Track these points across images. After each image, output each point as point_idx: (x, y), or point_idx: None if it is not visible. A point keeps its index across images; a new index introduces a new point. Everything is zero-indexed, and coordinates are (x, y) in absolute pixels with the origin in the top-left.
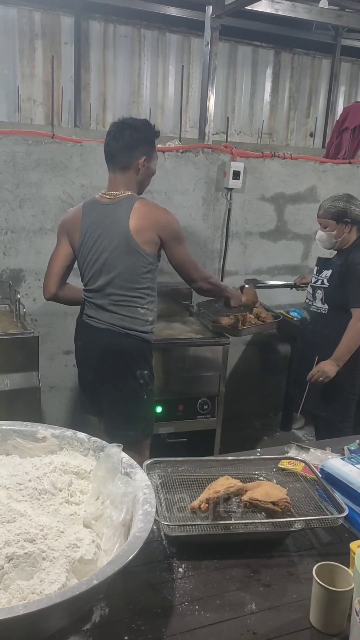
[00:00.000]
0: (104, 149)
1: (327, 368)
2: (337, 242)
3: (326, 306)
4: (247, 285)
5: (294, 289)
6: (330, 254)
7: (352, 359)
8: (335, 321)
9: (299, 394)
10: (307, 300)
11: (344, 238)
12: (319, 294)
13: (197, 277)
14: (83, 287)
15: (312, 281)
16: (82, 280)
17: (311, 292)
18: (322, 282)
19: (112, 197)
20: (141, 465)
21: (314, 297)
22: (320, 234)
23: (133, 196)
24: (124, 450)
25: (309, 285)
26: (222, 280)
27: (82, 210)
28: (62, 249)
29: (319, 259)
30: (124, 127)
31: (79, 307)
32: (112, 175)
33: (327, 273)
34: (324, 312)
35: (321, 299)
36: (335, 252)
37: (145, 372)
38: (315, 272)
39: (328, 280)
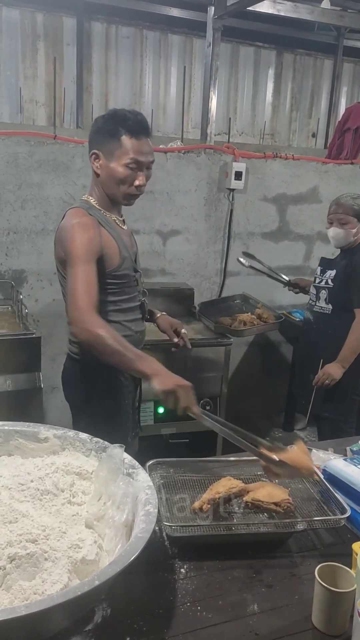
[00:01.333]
0: None
1: (333, 371)
2: (353, 241)
3: (330, 306)
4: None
5: (286, 287)
6: (332, 254)
7: (355, 360)
8: (339, 321)
9: (303, 395)
10: (310, 301)
11: (358, 238)
12: (323, 294)
13: (76, 319)
14: None
15: (316, 281)
16: None
17: (315, 293)
18: (327, 282)
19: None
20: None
21: (318, 297)
22: (337, 230)
23: (76, 203)
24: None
25: (311, 286)
26: (224, 281)
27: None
28: None
29: (322, 259)
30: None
31: None
32: None
33: (331, 273)
34: (327, 312)
35: (325, 299)
36: (338, 252)
37: (106, 401)
38: (318, 272)
39: (332, 280)
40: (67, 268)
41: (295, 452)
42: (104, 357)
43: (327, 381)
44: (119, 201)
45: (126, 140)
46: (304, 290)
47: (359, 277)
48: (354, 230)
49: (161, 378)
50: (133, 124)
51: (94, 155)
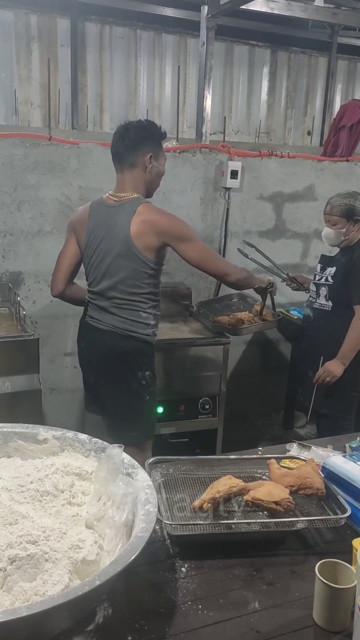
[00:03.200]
0: (111, 150)
1: (334, 368)
2: (345, 240)
3: (330, 303)
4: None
5: (284, 282)
6: (330, 252)
7: (356, 358)
8: (339, 318)
9: (303, 392)
10: (310, 298)
11: (352, 236)
12: (323, 290)
13: (228, 269)
14: (87, 287)
15: (316, 278)
16: (87, 281)
17: (315, 290)
18: (327, 279)
19: (117, 199)
20: (143, 465)
21: (318, 294)
22: (328, 231)
23: (138, 200)
24: (127, 451)
25: (311, 283)
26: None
27: (89, 211)
28: (70, 247)
29: (323, 256)
30: (129, 127)
31: (80, 309)
32: (120, 175)
33: (331, 270)
34: (327, 309)
35: (325, 296)
36: (339, 249)
37: (147, 373)
38: (318, 269)
39: (332, 277)
40: (178, 246)
41: (305, 470)
42: (249, 284)
43: (327, 378)
44: (152, 195)
45: (162, 144)
46: (301, 286)
47: (359, 274)
48: (344, 230)
49: (264, 277)
50: (163, 131)
51: (151, 156)
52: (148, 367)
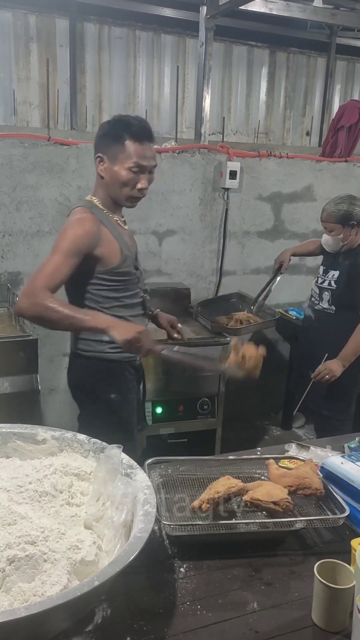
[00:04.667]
0: None
1: (334, 367)
2: (345, 245)
3: (333, 307)
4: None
5: (278, 277)
6: (334, 257)
7: (357, 359)
8: (342, 321)
9: (300, 392)
10: (312, 299)
11: (351, 240)
12: (326, 295)
13: (23, 291)
14: None
15: (318, 281)
16: None
17: (317, 292)
18: (330, 284)
19: None
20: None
21: (321, 298)
22: (326, 237)
23: (80, 203)
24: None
25: (314, 284)
26: (220, 280)
27: None
28: None
29: (325, 258)
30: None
31: None
32: None
33: (334, 274)
34: (330, 312)
35: (328, 300)
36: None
37: (112, 396)
38: (321, 272)
39: (335, 282)
40: None
41: (304, 470)
42: (55, 326)
43: (327, 376)
44: (121, 203)
45: (130, 145)
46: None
47: None
48: (341, 236)
49: (119, 328)
50: (137, 129)
51: (98, 159)
52: (112, 389)
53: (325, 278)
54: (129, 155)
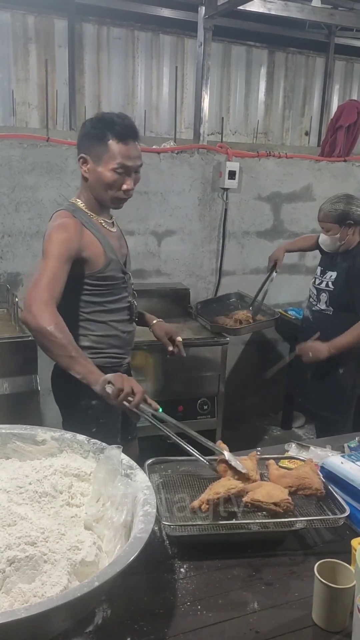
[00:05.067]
0: None
1: (321, 348)
2: (342, 245)
3: (331, 308)
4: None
5: (274, 275)
6: (331, 257)
7: (353, 359)
8: (340, 322)
9: (300, 393)
10: (310, 300)
11: (349, 240)
12: (324, 296)
13: (28, 302)
14: None
15: (316, 282)
16: None
17: (315, 294)
18: (327, 285)
19: None
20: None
21: (319, 299)
22: (324, 237)
23: (63, 206)
24: None
25: (311, 285)
26: (219, 280)
27: None
28: None
29: (323, 259)
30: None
31: None
32: None
33: (332, 275)
34: (328, 313)
35: (326, 302)
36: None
37: (94, 402)
38: (318, 272)
39: (333, 284)
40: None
41: (304, 470)
42: (49, 350)
43: (310, 354)
44: (107, 205)
45: (113, 145)
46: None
47: None
48: (338, 236)
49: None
50: (121, 128)
51: (81, 160)
52: (94, 394)
53: (322, 279)
54: (112, 156)
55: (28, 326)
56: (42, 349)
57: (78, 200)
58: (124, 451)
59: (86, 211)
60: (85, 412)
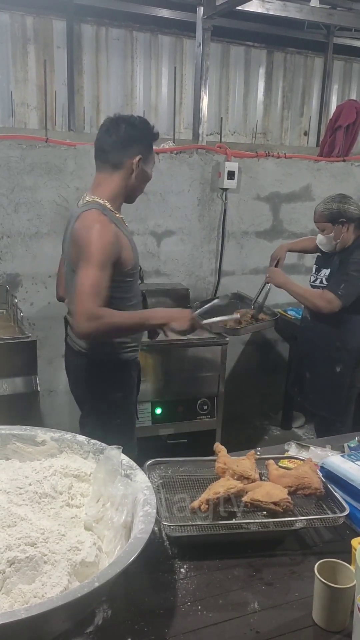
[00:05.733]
0: (95, 143)
1: (278, 276)
2: (338, 243)
3: None
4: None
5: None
6: (329, 256)
7: (351, 358)
8: (336, 319)
9: (298, 392)
10: None
11: (344, 238)
12: None
13: (83, 313)
14: None
15: (311, 280)
16: None
17: None
18: (321, 282)
19: (80, 204)
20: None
21: None
22: (320, 237)
23: (90, 205)
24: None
25: (309, 283)
26: (219, 281)
27: (69, 216)
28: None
29: (318, 257)
30: (119, 122)
31: None
32: (99, 174)
33: (325, 272)
34: (332, 315)
35: None
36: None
37: (119, 394)
38: (314, 270)
39: (327, 280)
40: (77, 263)
41: (304, 470)
42: (119, 337)
43: (267, 275)
44: (133, 199)
45: (153, 147)
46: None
47: (344, 269)
48: (332, 235)
49: (177, 320)
50: (156, 132)
51: (141, 159)
52: (119, 388)
53: (317, 276)
54: (153, 156)
55: (87, 339)
56: (116, 337)
57: (101, 198)
58: (133, 445)
59: (111, 209)
60: (109, 406)
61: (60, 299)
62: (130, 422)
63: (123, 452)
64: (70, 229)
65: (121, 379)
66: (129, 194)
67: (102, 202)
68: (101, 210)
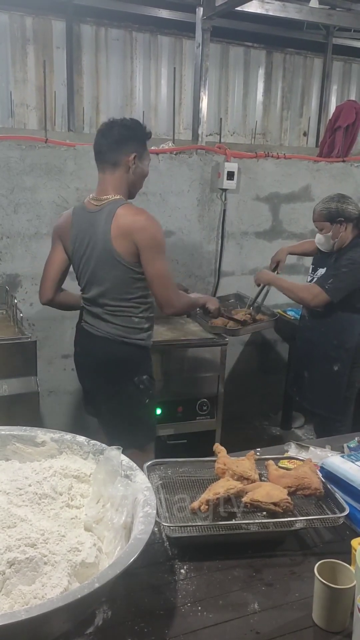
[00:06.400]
0: (94, 148)
1: (265, 275)
2: (336, 243)
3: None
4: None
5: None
6: (327, 255)
7: (349, 357)
8: (332, 319)
9: (297, 392)
10: None
11: (341, 237)
12: None
13: (174, 299)
14: (80, 293)
15: (307, 280)
16: (79, 286)
17: None
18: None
19: (97, 203)
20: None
21: None
22: (319, 236)
23: (118, 201)
24: (127, 453)
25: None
26: (218, 281)
27: (72, 217)
28: (57, 254)
29: (315, 257)
30: (113, 125)
31: (77, 311)
32: (102, 175)
33: (321, 271)
34: (319, 309)
35: None
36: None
37: (144, 377)
38: (310, 270)
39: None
40: (146, 253)
41: (303, 471)
42: (187, 313)
43: (255, 277)
44: (134, 194)
45: (147, 144)
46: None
47: (338, 267)
48: (330, 234)
49: (210, 301)
50: (148, 132)
51: (136, 156)
52: (145, 370)
53: (313, 276)
54: (148, 153)
55: (178, 313)
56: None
57: (121, 196)
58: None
59: None
60: (138, 387)
61: (47, 302)
62: (154, 402)
63: (146, 430)
64: (106, 225)
65: (148, 363)
66: (130, 190)
67: (119, 198)
68: (132, 204)
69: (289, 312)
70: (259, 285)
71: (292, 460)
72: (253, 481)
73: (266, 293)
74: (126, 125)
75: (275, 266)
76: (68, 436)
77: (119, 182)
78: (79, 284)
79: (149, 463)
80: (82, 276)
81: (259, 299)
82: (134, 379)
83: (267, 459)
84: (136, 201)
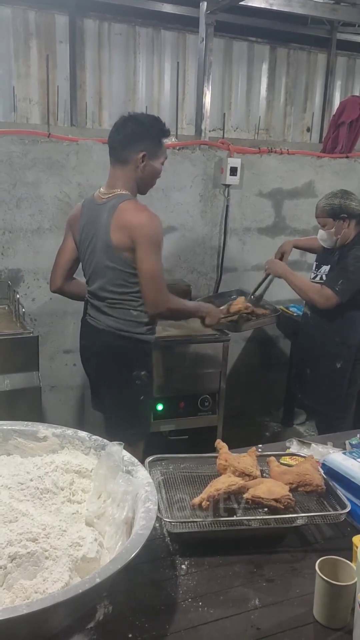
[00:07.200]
0: (108, 142)
1: (278, 266)
2: (338, 239)
3: None
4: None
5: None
6: (330, 252)
7: (351, 354)
8: (336, 315)
9: (299, 388)
10: None
11: (344, 234)
12: None
13: (160, 301)
14: (86, 286)
15: (311, 276)
16: (84, 278)
17: None
18: (321, 278)
19: (105, 196)
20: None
21: None
22: (321, 233)
23: (121, 197)
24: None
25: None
26: (221, 277)
27: (82, 209)
28: (68, 244)
29: (319, 254)
30: (127, 120)
31: (80, 306)
32: (112, 170)
33: (325, 269)
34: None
35: None
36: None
37: (142, 373)
38: (314, 267)
39: (326, 276)
40: (141, 250)
41: (305, 467)
42: (177, 319)
43: (267, 266)
44: (145, 191)
45: (163, 143)
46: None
47: (343, 267)
48: (333, 230)
49: (210, 315)
50: (166, 128)
51: (145, 155)
52: (143, 366)
53: (317, 273)
54: (163, 152)
55: (160, 316)
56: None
57: (126, 191)
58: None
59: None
60: (134, 383)
61: (57, 290)
62: (151, 399)
63: (140, 427)
64: (108, 219)
65: (147, 358)
66: (139, 187)
67: (125, 193)
68: (137, 200)
69: (291, 308)
70: (268, 275)
71: (294, 457)
72: (254, 477)
73: (269, 283)
74: (140, 122)
75: (280, 257)
76: (70, 431)
77: (127, 178)
78: (84, 276)
79: (150, 459)
80: (87, 268)
81: (261, 289)
82: (132, 373)
83: (269, 456)
84: (139, 197)
